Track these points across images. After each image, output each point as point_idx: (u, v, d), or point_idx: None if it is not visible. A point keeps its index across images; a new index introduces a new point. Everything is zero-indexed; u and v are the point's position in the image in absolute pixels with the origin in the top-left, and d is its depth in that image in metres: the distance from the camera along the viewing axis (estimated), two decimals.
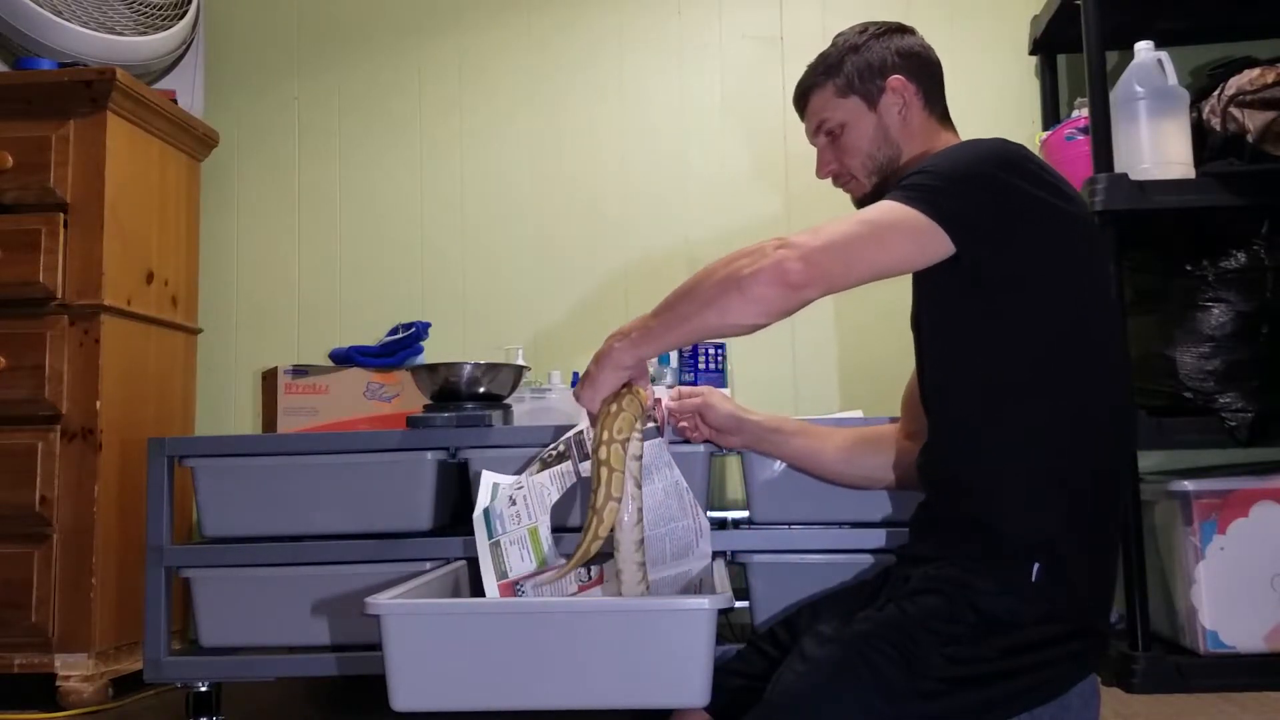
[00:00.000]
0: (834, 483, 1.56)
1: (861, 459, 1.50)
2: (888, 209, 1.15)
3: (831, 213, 2.34)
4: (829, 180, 1.46)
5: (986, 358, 1.19)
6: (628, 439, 1.23)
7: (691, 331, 1.20)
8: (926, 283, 1.25)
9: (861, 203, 1.41)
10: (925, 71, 1.39)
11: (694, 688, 1.09)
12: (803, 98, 1.44)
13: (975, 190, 1.15)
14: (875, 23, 1.42)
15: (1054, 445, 1.16)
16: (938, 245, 1.13)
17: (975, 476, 1.19)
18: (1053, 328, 1.16)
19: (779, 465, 1.71)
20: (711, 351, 2.08)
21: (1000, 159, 1.17)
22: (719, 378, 2.08)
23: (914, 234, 1.13)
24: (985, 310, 1.18)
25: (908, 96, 1.36)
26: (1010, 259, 1.15)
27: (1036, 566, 1.12)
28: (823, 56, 1.42)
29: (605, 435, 1.22)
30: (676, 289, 1.21)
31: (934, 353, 1.29)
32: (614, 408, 1.23)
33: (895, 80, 1.36)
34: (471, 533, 1.74)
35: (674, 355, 2.12)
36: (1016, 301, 1.16)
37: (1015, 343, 1.17)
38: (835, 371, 2.35)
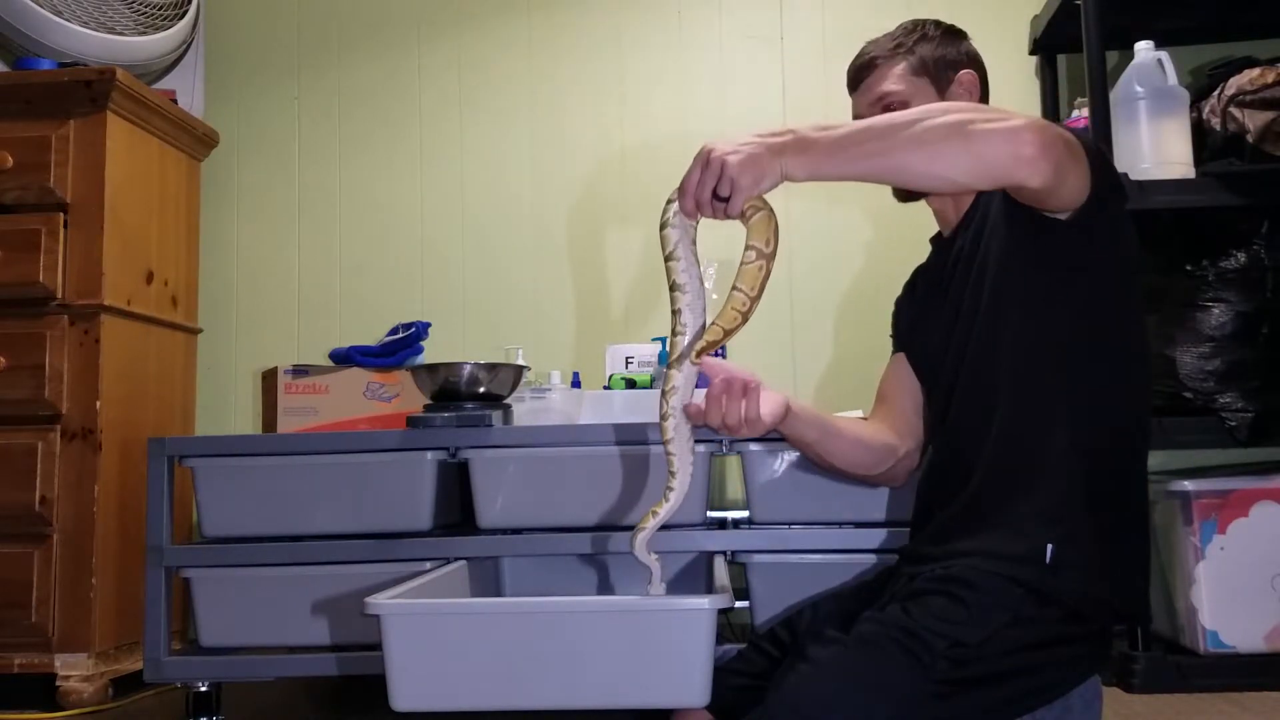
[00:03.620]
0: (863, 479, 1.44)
1: (875, 447, 1.42)
2: (1065, 133, 1.10)
3: (831, 217, 2.37)
4: None
5: (1037, 347, 1.18)
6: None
7: (884, 167, 1.07)
8: (1020, 252, 1.20)
9: (903, 190, 1.40)
10: (984, 77, 1.44)
11: (694, 688, 1.09)
12: (868, 67, 1.41)
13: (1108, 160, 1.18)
14: (935, 20, 1.43)
15: (1078, 444, 1.15)
16: (1082, 186, 1.11)
17: (988, 473, 1.19)
18: (1108, 323, 1.18)
19: (779, 465, 1.71)
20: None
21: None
22: None
23: (1083, 165, 1.11)
24: (1061, 288, 1.17)
25: (974, 94, 1.40)
26: (1102, 232, 1.16)
27: (1042, 565, 1.11)
28: (891, 35, 1.42)
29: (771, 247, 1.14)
30: (868, 121, 1.09)
31: (989, 330, 1.24)
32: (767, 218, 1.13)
33: (967, 75, 1.40)
34: (470, 533, 1.76)
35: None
36: (1089, 282, 1.17)
37: (1072, 335, 1.17)
38: (835, 371, 2.35)
